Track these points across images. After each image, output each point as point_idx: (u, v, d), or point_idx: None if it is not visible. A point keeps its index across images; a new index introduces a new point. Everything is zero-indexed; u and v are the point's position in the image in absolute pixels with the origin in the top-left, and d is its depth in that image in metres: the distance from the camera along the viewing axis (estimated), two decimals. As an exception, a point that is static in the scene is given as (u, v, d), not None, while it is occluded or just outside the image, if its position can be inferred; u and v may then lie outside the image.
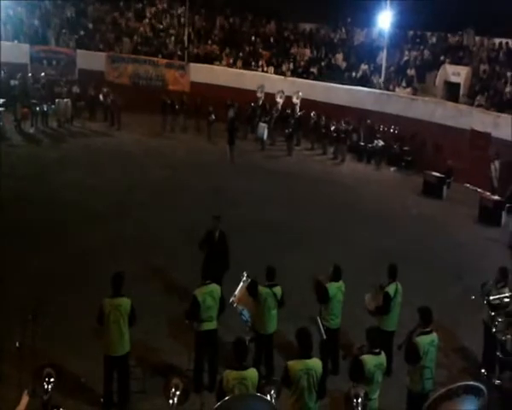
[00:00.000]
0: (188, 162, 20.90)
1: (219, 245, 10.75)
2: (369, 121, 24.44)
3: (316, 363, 6.59)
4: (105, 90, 26.89)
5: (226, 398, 3.90)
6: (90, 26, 31.76)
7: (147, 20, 32.32)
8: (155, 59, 30.05)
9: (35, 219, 14.41)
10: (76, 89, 27.10)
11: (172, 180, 18.70)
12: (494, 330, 8.68)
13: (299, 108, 25.49)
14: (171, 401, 5.42)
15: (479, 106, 21.48)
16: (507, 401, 6.73)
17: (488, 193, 18.52)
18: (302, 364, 6.49)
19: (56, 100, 25.20)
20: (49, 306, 10.09)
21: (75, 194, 16.64)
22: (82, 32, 31.10)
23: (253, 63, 29.06)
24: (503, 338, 8.35)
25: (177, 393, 5.42)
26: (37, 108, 24.46)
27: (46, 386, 5.34)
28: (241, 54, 29.64)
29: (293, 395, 6.48)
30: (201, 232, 10.92)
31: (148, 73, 29.92)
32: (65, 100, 25.42)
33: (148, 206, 16.19)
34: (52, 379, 5.39)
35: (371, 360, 6.78)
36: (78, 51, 30.05)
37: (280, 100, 26.29)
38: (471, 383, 3.97)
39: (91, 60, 29.59)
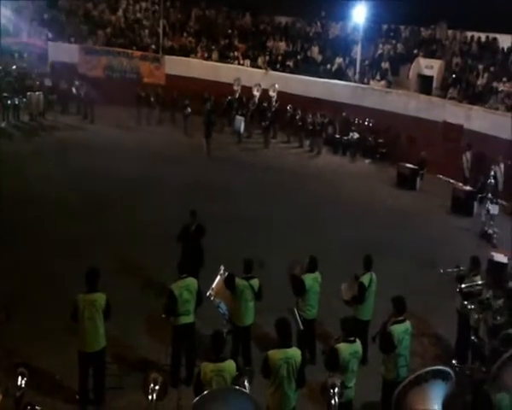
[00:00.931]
0: (163, 156, 20.76)
1: (195, 240, 10.75)
2: (344, 114, 24.60)
3: (295, 352, 6.66)
4: (78, 82, 26.53)
5: (205, 392, 3.91)
6: (63, 17, 31.28)
7: (121, 12, 31.96)
8: (129, 51, 29.73)
9: (7, 213, 14.20)
10: (48, 82, 26.63)
11: (148, 174, 18.56)
12: (464, 309, 8.82)
13: (275, 100, 25.54)
14: (150, 397, 5.34)
15: (451, 98, 21.78)
16: (476, 391, 6.88)
17: (460, 184, 18.85)
18: (282, 353, 6.56)
19: (28, 93, 24.77)
20: (22, 302, 10.00)
21: (48, 188, 16.43)
22: (54, 24, 30.61)
23: (229, 56, 28.97)
24: (476, 317, 8.48)
25: (156, 388, 5.32)
26: (9, 102, 24.01)
27: (19, 383, 5.28)
28: (213, 47, 29.51)
29: (272, 384, 6.54)
30: (177, 227, 10.90)
31: (123, 65, 29.59)
32: (37, 93, 24.97)
33: (123, 200, 16.06)
34: (25, 377, 5.33)
35: (346, 349, 6.87)
36: (51, 43, 29.60)
37: (257, 93, 26.27)
38: (439, 367, 4.05)
39: (64, 52, 29.17)
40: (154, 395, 5.27)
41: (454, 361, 8.86)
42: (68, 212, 14.80)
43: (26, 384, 5.31)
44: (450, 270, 9.70)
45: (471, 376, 7.46)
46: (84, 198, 15.91)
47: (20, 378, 5.28)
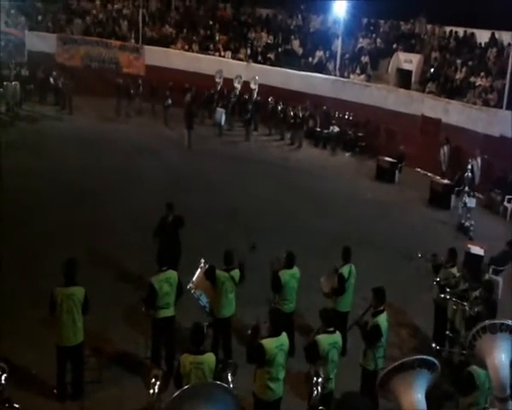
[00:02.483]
0: (143, 148, 20.62)
1: (173, 232, 10.72)
2: (324, 107, 24.68)
3: (286, 339, 6.82)
4: (55, 72, 26.18)
5: (185, 387, 3.90)
6: (40, 6, 30.78)
7: (99, 1, 31.55)
8: (108, 41, 29.35)
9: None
10: (25, 71, 26.27)
11: (127, 166, 18.43)
12: (441, 299, 8.96)
13: (256, 92, 25.50)
14: (151, 391, 5.59)
15: (430, 93, 21.98)
16: (455, 375, 7.02)
17: (438, 177, 19.06)
18: (276, 341, 6.67)
19: (4, 83, 24.38)
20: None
21: (25, 179, 16.18)
22: (32, 13, 30.12)
23: (210, 47, 28.82)
24: (454, 307, 8.61)
25: (158, 383, 5.62)
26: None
27: None
28: (194, 38, 29.32)
29: (267, 373, 6.63)
30: (155, 219, 10.85)
31: (101, 55, 29.22)
32: (13, 83, 24.58)
33: (101, 192, 15.91)
34: (5, 373, 5.30)
35: (326, 339, 6.94)
36: (28, 33, 29.13)
37: (238, 85, 26.19)
38: (426, 357, 4.12)
39: (41, 41, 28.72)
40: (156, 390, 5.43)
41: (433, 345, 8.98)
42: (44, 204, 14.60)
43: (5, 380, 5.27)
44: (428, 256, 9.85)
45: (450, 360, 7.61)
46: (61, 190, 15.70)
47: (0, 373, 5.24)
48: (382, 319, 7.54)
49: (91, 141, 20.94)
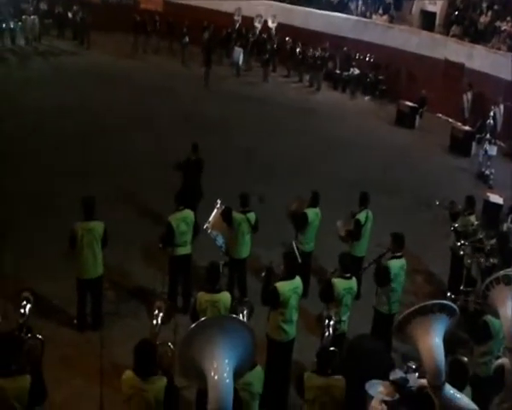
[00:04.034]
0: (160, 85, 20.41)
1: (194, 173, 10.74)
2: (345, 49, 24.12)
3: (299, 281, 6.88)
4: (74, 7, 25.77)
5: (201, 319, 3.99)
6: None
7: None
8: (126, -25, 28.74)
9: (2, 140, 14.03)
10: (44, 5, 25.96)
11: (144, 104, 18.29)
12: (458, 253, 8.96)
13: (275, 32, 24.94)
14: (154, 322, 5.67)
15: (453, 36, 21.35)
16: (470, 322, 7.08)
17: (459, 123, 18.73)
18: (290, 284, 6.74)
19: (23, 17, 24.11)
20: (18, 231, 10.06)
21: (43, 115, 16.20)
22: None
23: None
24: (469, 261, 8.63)
25: (161, 314, 5.69)
26: (4, 25, 23.41)
27: (23, 310, 5.38)
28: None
29: (280, 314, 6.74)
30: (173, 158, 10.87)
31: (119, -10, 28.66)
32: (32, 17, 24.33)
33: (118, 130, 15.87)
34: (30, 303, 5.44)
35: (341, 284, 7.00)
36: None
37: (258, 25, 25.63)
38: (446, 302, 4.15)
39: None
40: (159, 320, 5.52)
41: (449, 293, 9.02)
42: (61, 140, 14.61)
43: (29, 311, 5.40)
44: (446, 203, 9.80)
45: (465, 308, 7.65)
46: (80, 127, 15.69)
47: (24, 303, 5.37)
48: (395, 264, 7.54)
49: (109, 77, 20.77)
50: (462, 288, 8.64)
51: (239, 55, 23.49)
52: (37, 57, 22.94)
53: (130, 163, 13.70)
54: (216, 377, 3.56)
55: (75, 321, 8.03)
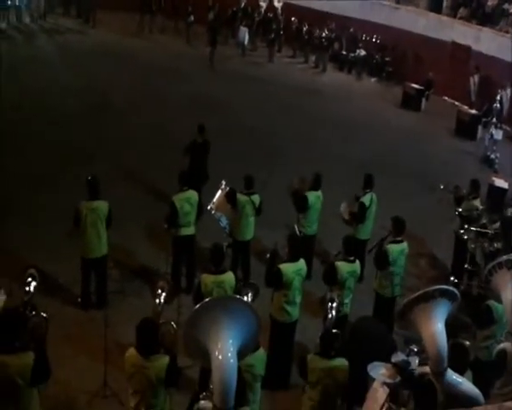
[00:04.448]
0: (165, 65, 20.29)
1: (201, 155, 10.72)
2: (351, 30, 23.91)
3: (303, 264, 6.91)
4: (79, -16, 25.58)
5: (206, 300, 4.01)
6: None
7: None
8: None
9: (8, 118, 14.00)
10: (49, -17, 25.73)
11: (149, 84, 18.21)
12: (462, 238, 8.96)
13: (281, 12, 24.73)
14: (157, 301, 5.73)
15: (461, 18, 21.12)
16: (473, 307, 7.10)
17: (466, 107, 18.61)
18: (294, 266, 6.78)
19: (28, -7, 23.97)
20: (22, 209, 10.09)
21: (47, 94, 16.15)
22: None
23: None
24: (473, 246, 8.63)
25: (163, 294, 5.75)
26: (10, 2, 23.26)
27: (28, 287, 5.41)
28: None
29: (284, 296, 6.78)
30: (177, 138, 10.85)
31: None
32: (37, -6, 24.19)
33: (124, 109, 15.83)
34: (35, 281, 5.46)
35: (345, 267, 7.02)
36: None
37: (263, 4, 25.40)
38: (447, 287, 4.16)
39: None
40: (162, 299, 5.60)
41: (452, 278, 9.05)
42: (68, 118, 14.59)
43: (34, 288, 5.43)
44: (450, 187, 9.78)
45: (468, 292, 7.67)
46: (84, 107, 15.63)
47: (29, 280, 5.39)
48: (394, 248, 7.53)
49: (114, 57, 20.63)
50: (465, 268, 8.67)
51: (244, 34, 23.32)
52: (42, 35, 22.82)
53: (136, 143, 13.69)
54: (220, 357, 3.59)
55: (79, 300, 8.09)
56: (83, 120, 14.69)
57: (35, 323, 5.14)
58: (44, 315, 5.27)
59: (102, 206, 7.89)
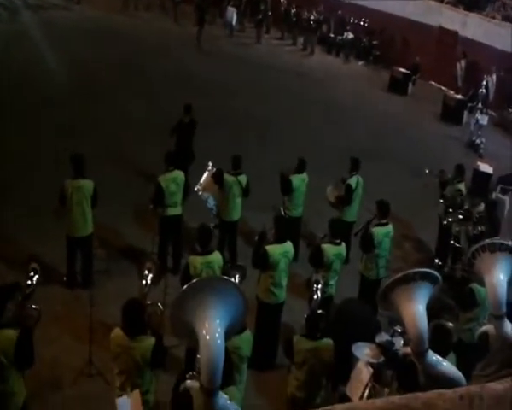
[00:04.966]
0: (151, 43, 20.01)
1: (187, 135, 10.66)
2: (339, 12, 23.79)
3: (290, 246, 6.95)
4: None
5: (194, 280, 4.00)
6: None
7: None
8: None
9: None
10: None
11: (135, 62, 17.98)
12: (445, 222, 9.05)
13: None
14: (143, 282, 5.70)
15: (448, 3, 21.11)
16: (457, 289, 7.20)
17: (452, 92, 18.68)
18: (281, 248, 6.79)
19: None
20: (9, 188, 9.97)
21: (31, 71, 15.87)
22: None
23: None
24: (457, 229, 8.72)
25: (150, 275, 5.73)
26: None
27: (30, 281, 5.33)
28: None
29: (270, 277, 6.81)
30: (163, 118, 10.76)
31: None
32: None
33: (109, 88, 15.61)
34: (37, 274, 5.39)
35: (331, 250, 7.06)
36: None
37: (251, -16, 25.10)
38: (428, 270, 4.19)
39: None
40: (148, 280, 5.56)
41: (436, 260, 9.14)
42: (51, 99, 14.34)
43: (36, 282, 5.36)
44: (435, 172, 9.86)
45: (452, 275, 7.76)
46: (69, 85, 15.36)
47: (32, 274, 5.33)
48: (379, 231, 7.60)
49: (99, 34, 20.26)
50: (450, 250, 8.73)
51: (232, 14, 23.07)
52: (26, 11, 22.35)
53: (122, 122, 13.53)
54: (208, 337, 3.59)
55: (65, 279, 8.06)
56: (67, 97, 14.46)
57: (28, 314, 5.09)
58: (38, 309, 5.20)
59: (88, 185, 7.84)
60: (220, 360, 3.62)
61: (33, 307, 5.14)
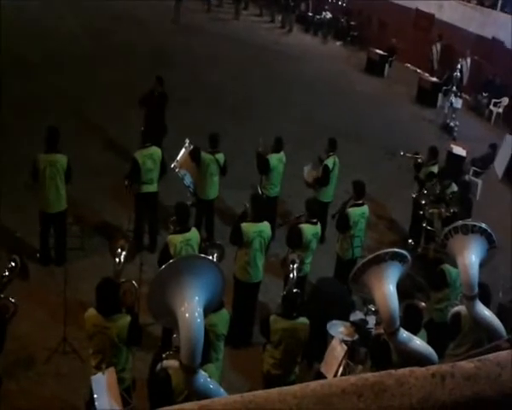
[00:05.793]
0: (128, 15, 19.68)
1: (159, 107, 10.51)
2: (318, -9, 23.70)
3: (267, 227, 6.90)
4: None
5: (171, 260, 3.99)
6: None
7: None
8: None
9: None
10: None
11: (110, 34, 17.65)
12: (418, 201, 9.18)
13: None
14: (117, 260, 5.62)
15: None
16: (429, 270, 7.32)
17: (427, 74, 18.81)
18: (255, 227, 6.78)
19: None
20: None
21: (6, 45, 15.42)
22: None
23: None
24: (430, 211, 8.83)
25: (124, 253, 5.67)
26: None
27: (8, 272, 5.23)
28: None
29: (245, 255, 6.81)
30: (138, 91, 10.60)
31: None
32: None
33: (83, 60, 15.27)
34: (18, 267, 5.30)
35: (309, 230, 7.09)
36: None
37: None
38: (397, 250, 4.28)
39: None
40: (122, 258, 5.50)
41: (410, 241, 9.28)
42: (23, 70, 13.98)
43: (14, 274, 5.27)
44: (409, 155, 9.95)
45: (425, 255, 7.88)
46: (43, 57, 15.05)
47: (12, 265, 5.23)
48: (355, 212, 7.65)
49: (73, 3, 19.83)
50: (422, 231, 8.86)
51: (210, -11, 22.81)
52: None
53: (96, 96, 13.28)
54: (187, 315, 3.60)
55: (38, 255, 7.93)
56: (39, 69, 14.14)
57: (3, 305, 5.02)
58: (15, 302, 5.15)
59: (62, 160, 7.67)
60: (200, 338, 3.64)
61: (10, 299, 5.07)
